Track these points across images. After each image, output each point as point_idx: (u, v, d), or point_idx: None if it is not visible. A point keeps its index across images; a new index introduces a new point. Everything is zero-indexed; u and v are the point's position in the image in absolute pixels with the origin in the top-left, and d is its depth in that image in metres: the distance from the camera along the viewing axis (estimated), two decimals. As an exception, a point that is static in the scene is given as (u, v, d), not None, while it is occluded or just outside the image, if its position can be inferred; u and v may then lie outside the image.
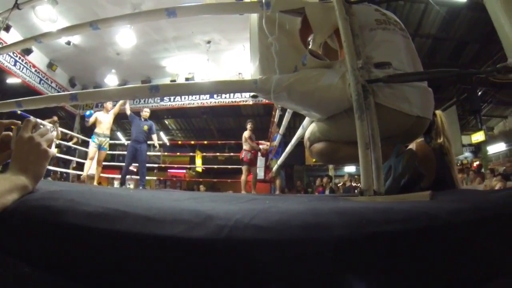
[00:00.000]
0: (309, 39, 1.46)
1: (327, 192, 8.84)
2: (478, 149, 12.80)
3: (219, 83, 1.34)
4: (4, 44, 6.38)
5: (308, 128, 1.55)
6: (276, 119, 4.98)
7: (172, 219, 0.43)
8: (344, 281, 0.38)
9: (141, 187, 5.99)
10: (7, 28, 6.92)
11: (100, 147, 5.91)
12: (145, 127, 6.22)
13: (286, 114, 2.98)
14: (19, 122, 0.69)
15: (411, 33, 1.56)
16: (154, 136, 6.41)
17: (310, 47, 1.44)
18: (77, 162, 8.14)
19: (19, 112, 4.42)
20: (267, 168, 7.22)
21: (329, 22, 1.28)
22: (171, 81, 9.14)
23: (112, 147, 7.30)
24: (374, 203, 0.73)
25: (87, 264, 0.43)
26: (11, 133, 0.70)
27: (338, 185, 10.47)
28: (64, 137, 7.13)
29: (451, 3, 6.58)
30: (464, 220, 0.44)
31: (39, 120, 0.68)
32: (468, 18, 6.84)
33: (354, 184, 9.84)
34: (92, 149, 5.91)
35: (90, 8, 6.46)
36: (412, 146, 1.65)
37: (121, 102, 6.02)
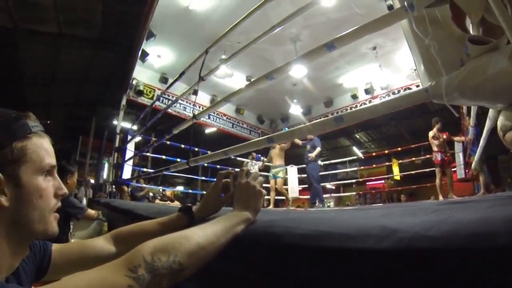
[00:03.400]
0: (467, 22, 1.33)
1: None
2: None
3: (389, 102, 1.37)
4: (197, 104, 8.41)
5: (498, 119, 1.40)
6: (465, 110, 4.33)
7: (365, 234, 0.51)
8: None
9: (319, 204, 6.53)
10: (195, 92, 8.86)
11: (274, 177, 6.94)
12: (307, 147, 6.91)
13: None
14: (233, 171, 0.93)
15: None
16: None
17: (471, 32, 1.31)
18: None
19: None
20: (467, 165, 6.23)
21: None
22: (352, 95, 9.51)
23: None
24: None
25: (301, 273, 0.57)
26: (229, 180, 0.93)
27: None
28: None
29: None
30: None
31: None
32: None
33: None
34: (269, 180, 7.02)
35: (258, 54, 7.32)
36: None
37: None
